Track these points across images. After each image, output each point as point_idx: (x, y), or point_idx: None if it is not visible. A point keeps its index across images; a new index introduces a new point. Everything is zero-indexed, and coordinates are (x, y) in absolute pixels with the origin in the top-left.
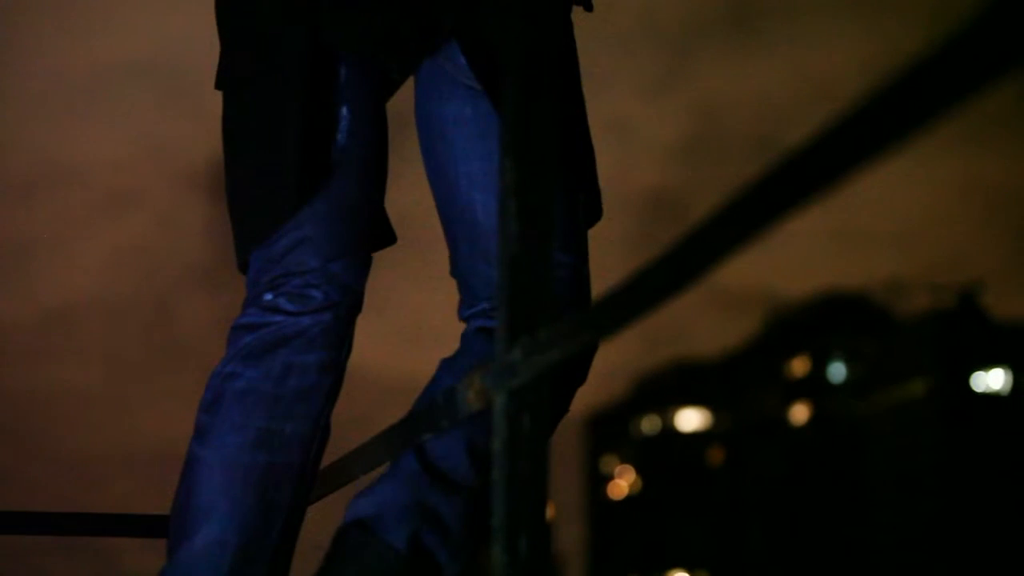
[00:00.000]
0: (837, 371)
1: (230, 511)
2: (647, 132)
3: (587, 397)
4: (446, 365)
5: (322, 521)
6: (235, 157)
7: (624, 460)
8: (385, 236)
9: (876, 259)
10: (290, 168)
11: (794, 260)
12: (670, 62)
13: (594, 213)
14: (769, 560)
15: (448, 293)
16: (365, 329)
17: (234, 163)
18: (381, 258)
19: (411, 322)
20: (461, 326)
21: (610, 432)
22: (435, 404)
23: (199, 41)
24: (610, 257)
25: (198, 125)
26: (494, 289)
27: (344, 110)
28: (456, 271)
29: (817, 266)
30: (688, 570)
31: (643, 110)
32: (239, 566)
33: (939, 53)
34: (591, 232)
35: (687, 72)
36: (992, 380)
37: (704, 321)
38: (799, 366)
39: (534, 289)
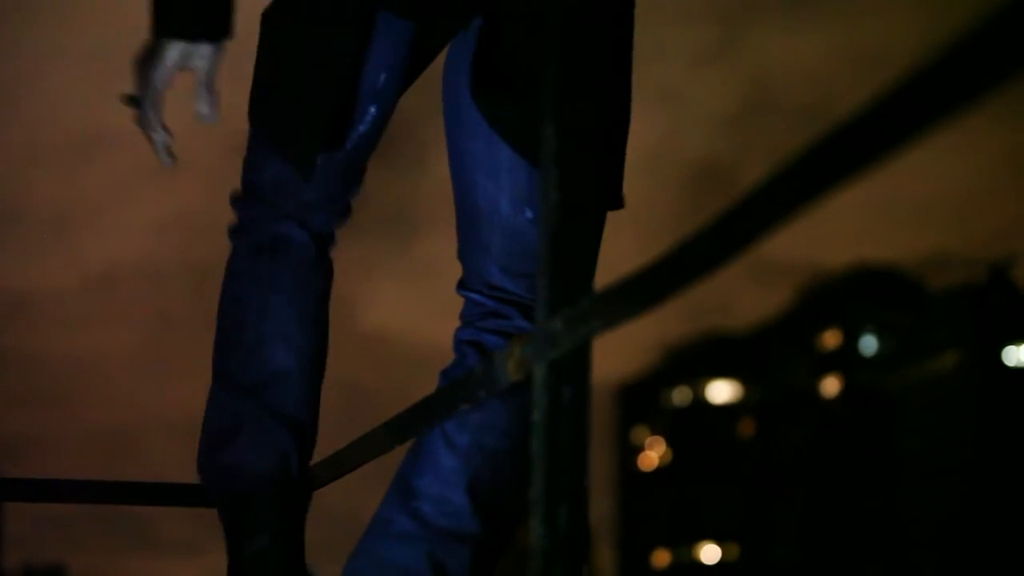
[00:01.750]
0: (868, 344)
1: (297, 339)
2: (698, 101)
3: (618, 368)
4: (446, 379)
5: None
6: (266, 80)
7: (655, 432)
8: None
9: (922, 232)
10: (317, 128)
11: (837, 233)
12: (722, 32)
13: (615, 201)
14: (799, 533)
15: None
16: (405, 297)
17: (264, 84)
18: (424, 227)
19: (451, 291)
20: None
21: (641, 403)
22: (473, 375)
23: (252, 6)
24: (658, 225)
25: (247, 91)
26: (488, 279)
27: (383, 76)
28: (459, 254)
29: (860, 239)
30: (718, 542)
31: (694, 79)
32: (305, 396)
33: (990, 25)
34: (633, 205)
35: (739, 42)
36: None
37: (737, 293)
38: (830, 339)
39: (575, 259)
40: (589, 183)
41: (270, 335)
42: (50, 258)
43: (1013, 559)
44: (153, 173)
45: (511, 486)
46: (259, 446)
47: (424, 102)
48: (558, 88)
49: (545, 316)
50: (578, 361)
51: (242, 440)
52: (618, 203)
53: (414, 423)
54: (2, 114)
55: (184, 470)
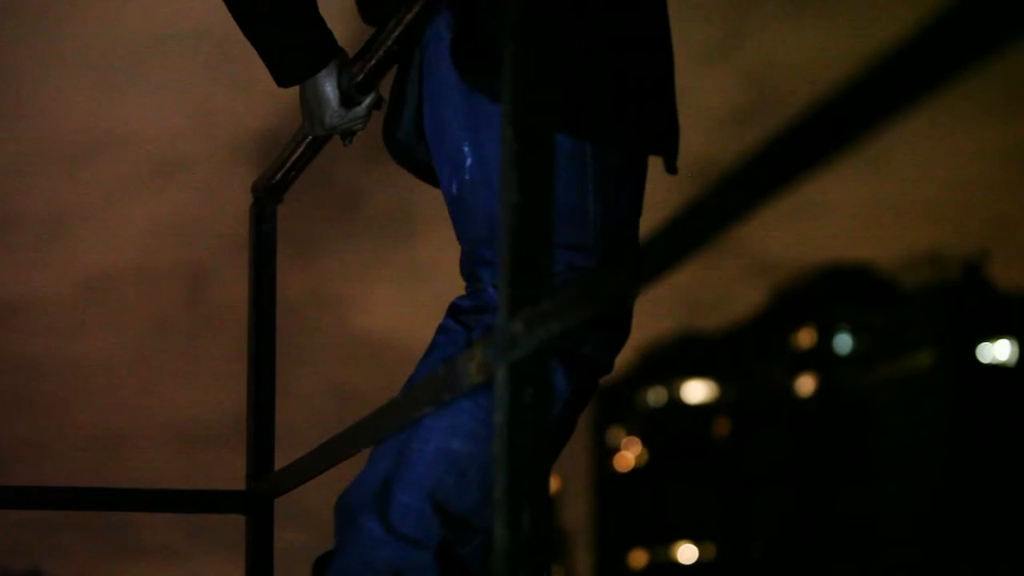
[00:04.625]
0: (843, 343)
1: None
2: (699, 100)
3: None
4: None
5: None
6: None
7: (630, 432)
8: None
9: (900, 232)
10: None
11: (825, 233)
12: (724, 29)
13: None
14: (775, 531)
15: None
16: (399, 300)
17: None
18: (420, 229)
19: (449, 292)
20: None
21: (616, 404)
22: (436, 377)
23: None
24: (657, 223)
25: (246, 95)
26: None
27: None
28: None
29: (845, 239)
30: (694, 542)
31: (696, 77)
32: None
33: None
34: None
35: (741, 39)
36: (998, 351)
37: (720, 292)
38: (805, 338)
39: (535, 260)
40: (550, 184)
41: None
42: (43, 263)
43: (988, 556)
44: (148, 177)
45: (479, 490)
46: None
47: None
48: (515, 85)
49: (507, 318)
50: (540, 362)
51: None
52: (670, 169)
53: (379, 427)
54: None
55: (174, 475)
